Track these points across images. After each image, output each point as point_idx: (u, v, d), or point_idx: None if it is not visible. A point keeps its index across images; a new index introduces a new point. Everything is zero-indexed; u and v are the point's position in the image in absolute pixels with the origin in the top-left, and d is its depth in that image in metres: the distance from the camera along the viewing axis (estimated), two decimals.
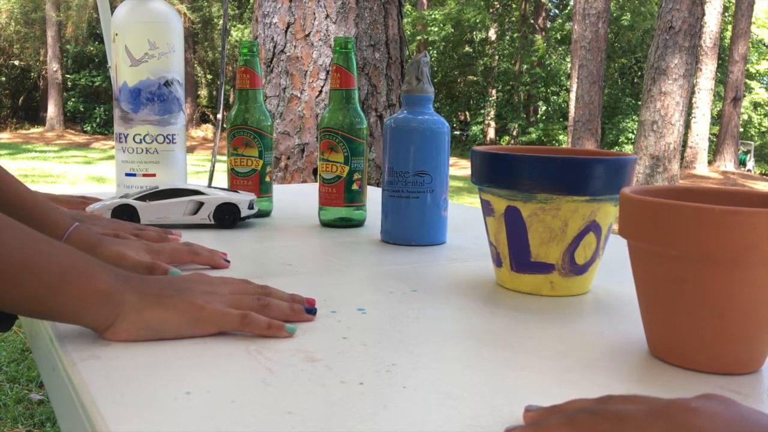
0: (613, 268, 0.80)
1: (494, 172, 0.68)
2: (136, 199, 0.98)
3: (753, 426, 0.30)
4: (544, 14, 18.58)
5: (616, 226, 0.55)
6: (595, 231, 0.67)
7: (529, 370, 0.49)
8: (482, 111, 17.63)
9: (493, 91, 17.71)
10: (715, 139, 14.57)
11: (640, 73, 16.14)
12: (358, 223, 1.06)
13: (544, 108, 16.89)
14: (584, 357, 0.52)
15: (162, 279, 0.58)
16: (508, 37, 17.83)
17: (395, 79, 2.48)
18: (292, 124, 2.38)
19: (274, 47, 2.42)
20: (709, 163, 13.21)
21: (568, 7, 17.12)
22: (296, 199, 1.36)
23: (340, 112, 1.02)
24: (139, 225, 0.87)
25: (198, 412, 0.41)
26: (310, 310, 0.60)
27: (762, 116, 19.23)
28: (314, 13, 2.37)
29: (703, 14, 9.48)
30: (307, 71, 2.37)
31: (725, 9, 14.08)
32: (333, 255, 0.87)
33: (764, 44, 19.13)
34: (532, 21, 18.05)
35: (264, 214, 1.12)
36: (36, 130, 15.88)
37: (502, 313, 0.63)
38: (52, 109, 15.66)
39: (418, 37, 16.10)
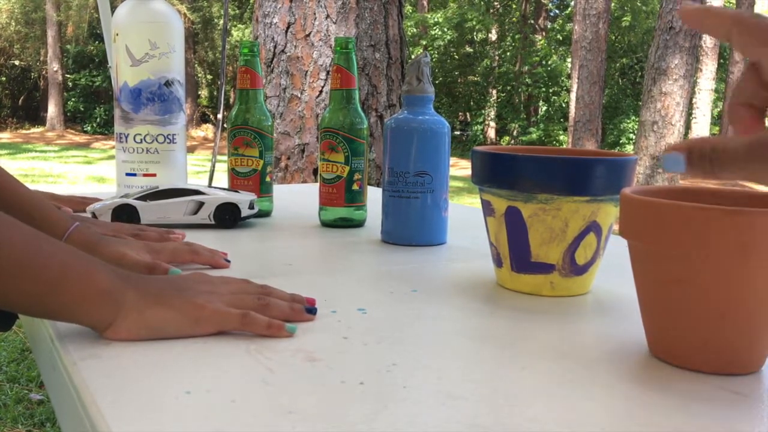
0: (614, 269, 0.80)
1: (495, 173, 0.68)
2: (136, 198, 0.98)
3: None
4: (544, 14, 18.58)
5: (616, 227, 0.55)
6: (596, 231, 0.67)
7: (529, 370, 0.49)
8: (483, 111, 17.62)
9: (494, 92, 17.71)
10: None
11: (640, 74, 16.13)
12: (358, 224, 1.06)
13: (544, 108, 16.89)
14: (584, 357, 0.52)
15: (162, 278, 0.58)
16: (509, 38, 17.84)
17: (395, 79, 2.48)
18: (292, 124, 2.38)
19: (275, 47, 2.42)
20: None
21: (569, 8, 17.11)
22: (296, 199, 1.36)
23: (341, 112, 1.02)
24: (139, 226, 0.87)
25: (198, 411, 0.41)
26: (311, 310, 0.60)
27: None
28: (315, 13, 2.37)
29: None
30: (307, 71, 2.37)
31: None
32: (333, 255, 0.87)
33: None
34: (532, 21, 18.05)
35: (264, 214, 1.12)
36: (36, 130, 15.89)
37: (502, 313, 0.63)
38: (52, 109, 15.66)
39: (423, 41, 16.11)
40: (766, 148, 0.36)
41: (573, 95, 10.97)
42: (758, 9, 15.94)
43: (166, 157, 1.15)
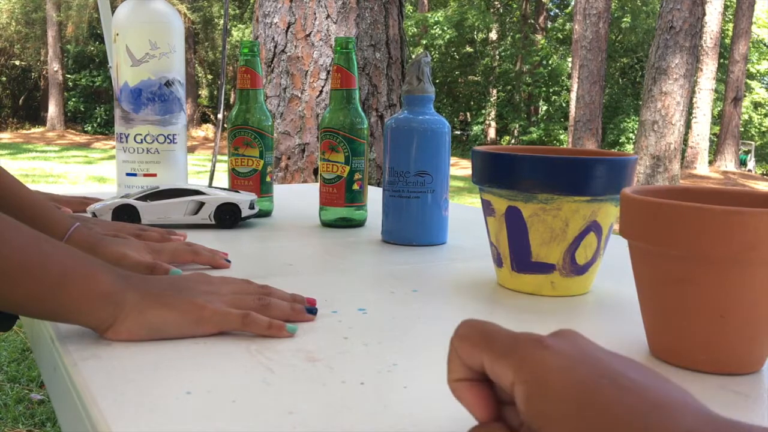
0: (614, 268, 0.80)
1: (495, 172, 0.68)
2: (137, 199, 0.99)
3: (592, 366, 0.31)
4: (544, 14, 18.58)
5: (616, 226, 0.55)
6: (596, 231, 0.67)
7: None
8: (483, 111, 17.63)
9: (494, 91, 17.71)
10: (715, 139, 14.57)
11: (641, 73, 16.14)
12: (358, 223, 1.06)
13: (544, 108, 16.89)
14: None
15: (163, 279, 0.58)
16: (509, 38, 17.83)
17: (396, 79, 2.48)
18: (292, 124, 2.38)
19: (275, 47, 2.42)
20: (710, 163, 13.20)
21: (569, 7, 17.11)
22: (297, 199, 1.36)
23: (341, 112, 1.02)
24: (141, 226, 0.87)
25: (199, 411, 0.41)
26: (311, 310, 0.60)
27: (762, 116, 19.22)
28: (315, 13, 2.37)
29: (704, 14, 9.48)
30: (307, 71, 2.37)
31: (726, 9, 14.07)
32: (334, 255, 0.87)
33: (765, 44, 19.12)
34: (532, 21, 18.05)
35: (265, 214, 1.12)
36: (37, 130, 15.89)
37: (502, 313, 0.63)
38: (52, 109, 15.67)
39: (424, 41, 16.11)
40: None
41: (573, 95, 10.97)
42: (758, 9, 15.93)
43: (166, 157, 1.15)
